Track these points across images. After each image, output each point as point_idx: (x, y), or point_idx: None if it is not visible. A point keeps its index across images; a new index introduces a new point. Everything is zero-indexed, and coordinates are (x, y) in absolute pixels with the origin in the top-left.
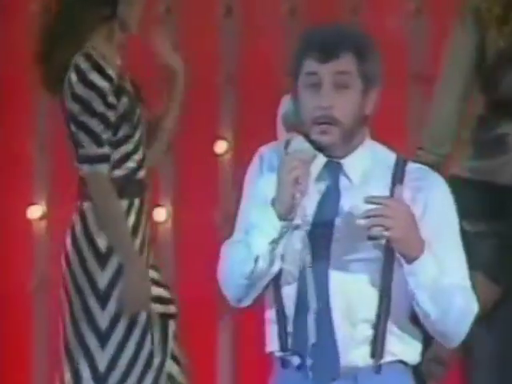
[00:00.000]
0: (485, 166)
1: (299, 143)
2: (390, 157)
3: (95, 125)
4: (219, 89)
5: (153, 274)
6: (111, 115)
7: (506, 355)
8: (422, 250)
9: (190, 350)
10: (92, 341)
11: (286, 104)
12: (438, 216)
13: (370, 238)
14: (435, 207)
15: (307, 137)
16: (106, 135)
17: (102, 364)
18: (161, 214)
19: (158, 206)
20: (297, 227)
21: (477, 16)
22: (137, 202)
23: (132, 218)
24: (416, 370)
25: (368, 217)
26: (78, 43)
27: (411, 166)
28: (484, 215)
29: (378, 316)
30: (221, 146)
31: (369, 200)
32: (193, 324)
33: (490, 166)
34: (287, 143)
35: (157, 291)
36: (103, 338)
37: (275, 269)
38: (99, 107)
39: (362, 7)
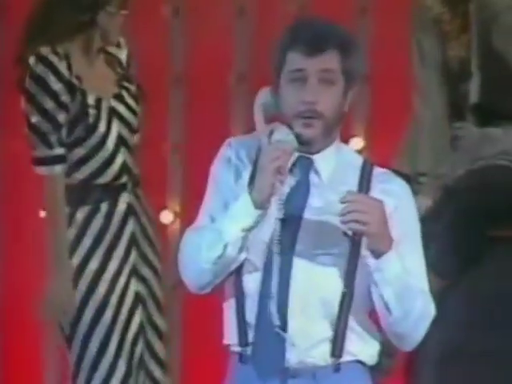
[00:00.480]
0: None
1: (283, 134)
2: (357, 159)
3: (44, 126)
4: (168, 89)
5: (145, 271)
6: (61, 116)
7: (451, 348)
8: (390, 246)
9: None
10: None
11: (263, 95)
12: (405, 220)
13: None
14: (403, 212)
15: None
16: (55, 136)
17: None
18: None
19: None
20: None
21: (439, 28)
22: (104, 206)
23: (97, 223)
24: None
25: (344, 213)
26: (50, 46)
27: (378, 171)
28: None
29: (340, 312)
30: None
31: (344, 198)
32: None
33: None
34: (271, 133)
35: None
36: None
37: (242, 257)
38: (49, 107)
39: (310, 6)
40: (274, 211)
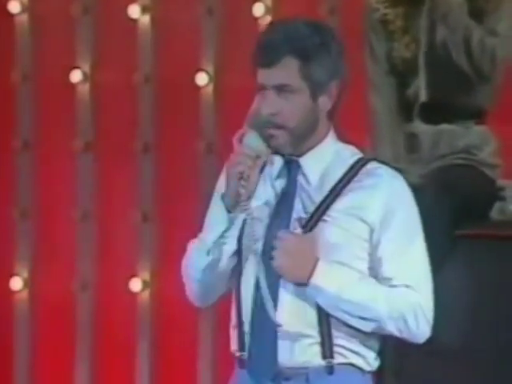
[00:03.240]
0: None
1: (251, 139)
2: (353, 157)
3: None
4: (137, 89)
5: None
6: None
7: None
8: (308, 276)
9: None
10: None
11: (257, 102)
12: (392, 216)
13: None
14: (387, 207)
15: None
16: None
17: None
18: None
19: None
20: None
21: (384, 27)
22: None
23: None
24: None
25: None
26: None
27: (370, 166)
28: None
29: (320, 317)
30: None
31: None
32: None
33: (402, 166)
34: (241, 137)
35: None
36: None
37: (225, 262)
38: None
39: (278, 6)
40: (261, 217)
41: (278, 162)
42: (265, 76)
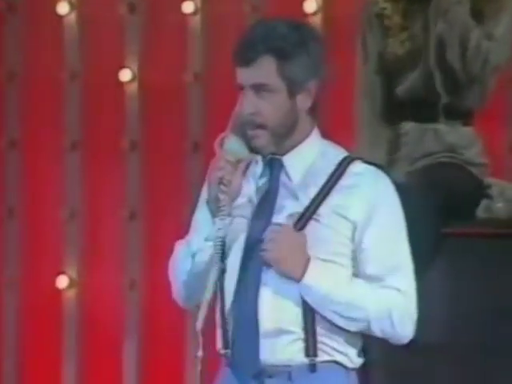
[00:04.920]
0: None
1: (231, 144)
2: (338, 156)
3: None
4: (125, 88)
5: None
6: None
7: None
8: (301, 274)
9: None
10: None
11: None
12: (377, 216)
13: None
14: (372, 207)
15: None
16: None
17: None
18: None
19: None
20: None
21: (380, 22)
22: None
23: None
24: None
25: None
26: None
27: (355, 166)
28: None
29: (305, 314)
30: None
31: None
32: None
33: (386, 164)
34: (222, 141)
35: None
36: None
37: (209, 266)
38: None
39: (262, 6)
40: (244, 214)
41: (261, 161)
42: (243, 75)
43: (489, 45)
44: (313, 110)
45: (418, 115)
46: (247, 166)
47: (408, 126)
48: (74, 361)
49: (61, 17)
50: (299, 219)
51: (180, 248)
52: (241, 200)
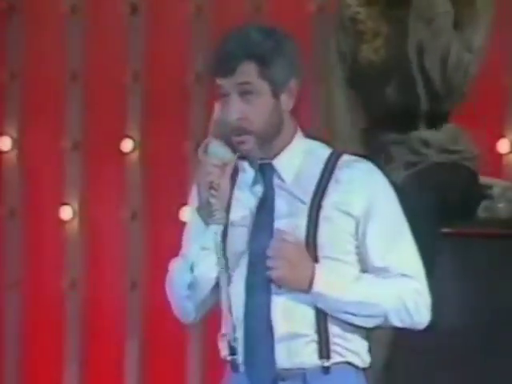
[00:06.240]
0: None
1: (215, 148)
2: (325, 152)
3: None
4: (126, 88)
5: None
6: None
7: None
8: (308, 284)
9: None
10: None
11: (217, 110)
12: (373, 208)
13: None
14: (366, 199)
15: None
16: None
17: None
18: (67, 212)
19: (65, 204)
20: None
21: (353, 27)
22: None
23: None
24: None
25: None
26: None
27: (343, 159)
28: None
29: (318, 317)
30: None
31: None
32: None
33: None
34: (206, 147)
35: None
36: None
37: (212, 275)
38: None
39: (264, 6)
40: (247, 225)
41: (250, 168)
42: (225, 84)
43: (469, 57)
44: (295, 111)
45: (399, 124)
46: (234, 170)
47: (392, 137)
48: (75, 361)
49: (63, 17)
50: (308, 223)
51: (175, 265)
52: (243, 212)
